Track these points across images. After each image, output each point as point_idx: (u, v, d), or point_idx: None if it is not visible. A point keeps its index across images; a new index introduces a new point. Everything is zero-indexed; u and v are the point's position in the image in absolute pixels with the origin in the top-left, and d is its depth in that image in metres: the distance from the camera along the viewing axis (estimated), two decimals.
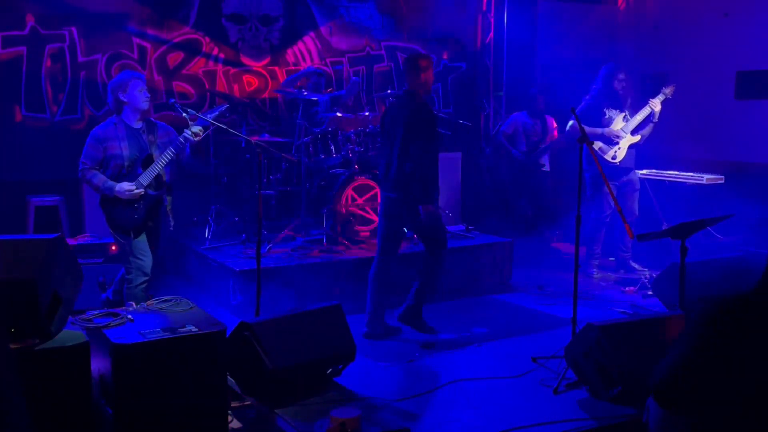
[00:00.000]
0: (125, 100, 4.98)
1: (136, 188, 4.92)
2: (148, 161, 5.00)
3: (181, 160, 5.33)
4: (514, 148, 8.25)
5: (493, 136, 8.99)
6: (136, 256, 5.02)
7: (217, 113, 5.15)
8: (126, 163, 4.96)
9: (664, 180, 7.50)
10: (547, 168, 8.26)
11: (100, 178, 4.91)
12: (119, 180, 4.93)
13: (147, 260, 5.05)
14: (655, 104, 6.93)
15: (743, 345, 1.88)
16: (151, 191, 5.02)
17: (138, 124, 5.04)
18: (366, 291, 5.51)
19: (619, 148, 7.03)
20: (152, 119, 5.23)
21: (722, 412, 1.86)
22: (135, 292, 4.98)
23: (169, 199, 5.34)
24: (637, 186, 7.24)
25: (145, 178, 4.98)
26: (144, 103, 5.02)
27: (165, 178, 5.21)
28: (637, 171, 7.31)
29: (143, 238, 5.06)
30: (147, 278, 5.04)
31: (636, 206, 7.20)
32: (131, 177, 4.96)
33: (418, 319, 5.52)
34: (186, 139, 5.01)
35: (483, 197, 8.77)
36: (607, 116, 7.06)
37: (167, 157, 5.02)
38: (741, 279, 5.70)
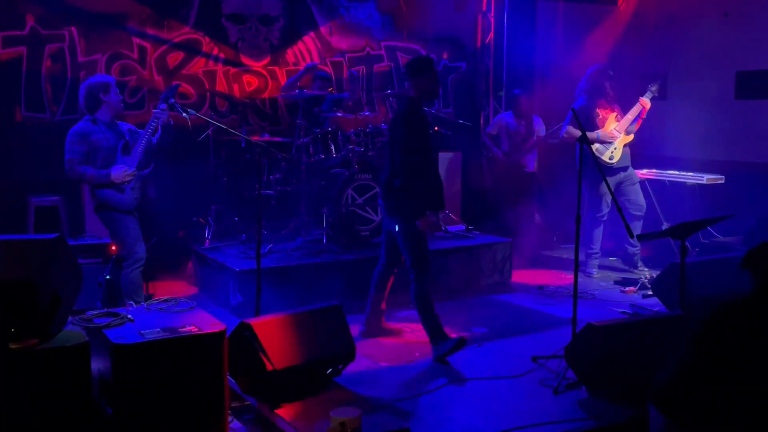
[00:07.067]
0: (106, 100, 5.28)
1: (129, 169, 5.20)
2: (126, 148, 5.30)
3: (160, 143, 5.45)
4: (498, 148, 8.28)
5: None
6: (131, 242, 5.24)
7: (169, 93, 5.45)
8: (109, 154, 5.24)
9: (664, 180, 7.50)
10: (530, 169, 8.26)
11: (92, 169, 5.18)
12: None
13: (140, 246, 5.29)
14: (646, 102, 7.00)
15: (743, 349, 1.86)
16: (140, 171, 5.32)
17: (110, 120, 5.36)
18: (366, 290, 5.50)
19: (615, 149, 7.04)
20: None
21: (724, 420, 1.85)
22: (132, 277, 5.21)
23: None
24: (636, 179, 7.25)
25: (132, 160, 5.25)
26: (121, 105, 5.40)
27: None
28: (635, 170, 7.32)
29: (136, 225, 5.30)
30: (142, 261, 5.27)
31: (641, 198, 7.20)
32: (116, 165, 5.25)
33: (445, 340, 5.02)
34: (157, 117, 5.28)
35: (483, 197, 8.77)
36: (600, 116, 7.08)
37: (145, 138, 5.30)
38: (741, 279, 5.71)
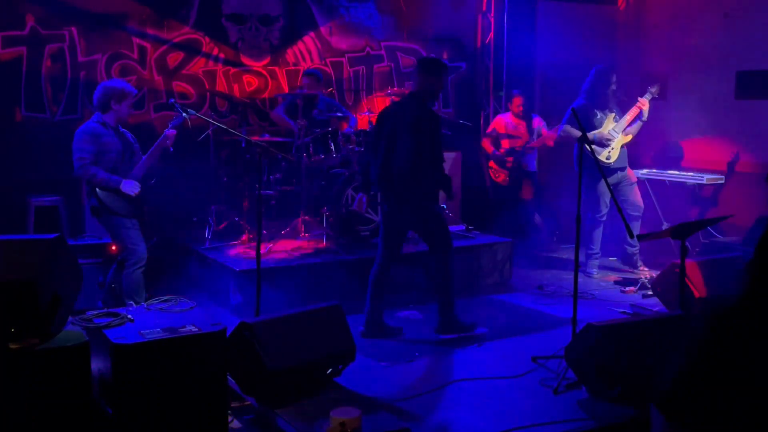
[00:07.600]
0: (114, 108, 5.28)
1: (138, 187, 5.24)
2: (132, 160, 5.35)
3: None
4: (498, 149, 8.29)
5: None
6: (132, 243, 5.29)
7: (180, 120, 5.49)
8: (117, 158, 5.27)
9: (664, 180, 7.51)
10: (530, 169, 8.25)
11: (103, 171, 5.17)
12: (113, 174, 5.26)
13: (141, 246, 5.33)
14: (644, 103, 6.98)
15: (744, 350, 1.86)
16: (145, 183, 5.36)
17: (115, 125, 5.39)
18: (366, 290, 5.50)
19: (612, 149, 7.03)
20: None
21: (727, 422, 1.85)
22: (134, 277, 5.26)
23: None
24: (633, 179, 7.24)
25: (139, 170, 5.30)
26: (129, 118, 5.43)
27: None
28: (633, 170, 7.31)
29: (137, 226, 5.34)
30: (143, 261, 5.32)
31: (639, 199, 7.19)
32: (122, 172, 5.26)
33: (456, 323, 5.40)
34: (167, 137, 5.32)
35: (483, 197, 8.77)
36: (598, 117, 7.07)
37: (157, 152, 5.34)
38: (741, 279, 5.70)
